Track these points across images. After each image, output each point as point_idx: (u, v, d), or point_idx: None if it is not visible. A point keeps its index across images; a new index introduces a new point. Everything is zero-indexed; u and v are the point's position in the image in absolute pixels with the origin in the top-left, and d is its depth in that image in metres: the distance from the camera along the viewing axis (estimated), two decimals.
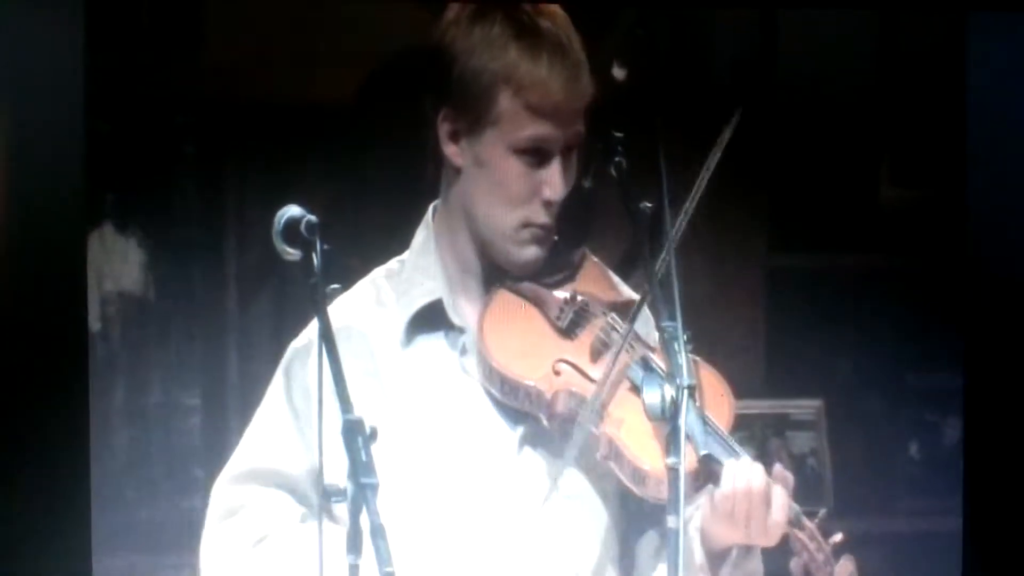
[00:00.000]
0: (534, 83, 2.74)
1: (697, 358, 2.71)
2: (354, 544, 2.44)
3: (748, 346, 4.13)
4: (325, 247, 2.56)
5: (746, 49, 4.20)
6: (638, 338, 2.80)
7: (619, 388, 2.75)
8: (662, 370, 2.68)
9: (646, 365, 2.75)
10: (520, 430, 2.79)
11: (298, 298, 2.63)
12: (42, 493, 3.33)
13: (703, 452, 2.63)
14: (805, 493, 2.75)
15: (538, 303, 2.84)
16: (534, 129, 2.75)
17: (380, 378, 2.81)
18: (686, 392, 2.58)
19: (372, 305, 2.86)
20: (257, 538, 2.76)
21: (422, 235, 2.88)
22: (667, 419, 2.59)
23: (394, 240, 2.95)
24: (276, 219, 2.60)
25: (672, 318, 2.65)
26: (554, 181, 2.77)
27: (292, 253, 2.58)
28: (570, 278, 2.87)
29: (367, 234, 3.24)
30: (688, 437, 2.59)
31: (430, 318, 2.83)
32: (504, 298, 2.83)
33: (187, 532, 2.87)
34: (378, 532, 2.42)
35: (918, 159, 4.22)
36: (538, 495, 2.73)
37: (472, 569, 2.74)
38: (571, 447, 2.72)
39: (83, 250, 3.48)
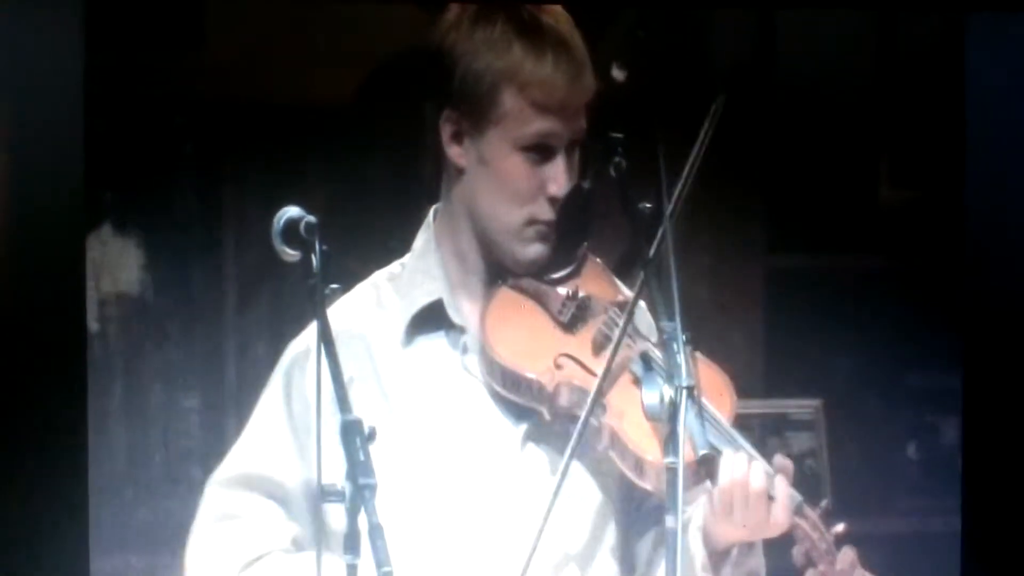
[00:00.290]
0: (539, 80, 2.74)
1: (699, 353, 2.71)
2: (352, 544, 2.44)
3: (747, 346, 4.13)
4: (324, 248, 2.56)
5: (745, 50, 4.20)
6: (639, 332, 2.81)
7: (621, 381, 2.75)
8: (662, 369, 2.68)
9: (646, 363, 2.75)
10: (523, 427, 2.79)
11: (297, 299, 2.63)
12: (40, 493, 3.33)
13: (702, 452, 2.63)
14: (803, 493, 2.75)
15: (540, 299, 2.84)
16: (539, 125, 2.76)
17: (380, 379, 2.81)
18: (684, 392, 2.58)
19: (373, 307, 2.86)
20: (248, 560, 2.75)
21: (423, 238, 2.88)
22: (666, 419, 2.59)
23: (393, 241, 2.95)
24: (275, 220, 2.60)
25: (671, 318, 2.65)
26: (559, 177, 2.77)
27: (291, 254, 2.58)
28: (572, 276, 2.87)
29: (366, 235, 3.24)
30: (687, 437, 2.59)
31: (431, 318, 2.83)
32: (506, 295, 2.84)
33: (185, 533, 2.87)
34: (376, 532, 2.42)
35: (917, 160, 4.23)
36: (541, 492, 2.73)
37: (476, 567, 2.74)
38: (573, 440, 2.72)
39: (82, 250, 3.47)
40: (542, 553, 2.72)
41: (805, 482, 2.78)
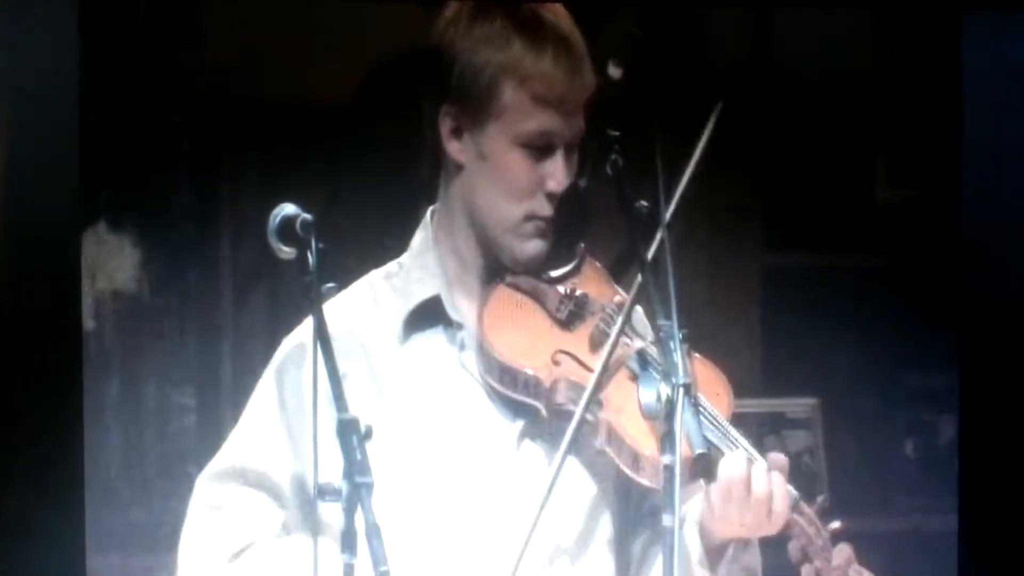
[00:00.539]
0: (539, 74, 2.74)
1: (697, 355, 2.71)
2: (349, 543, 2.44)
3: (744, 344, 4.13)
4: (320, 246, 2.56)
5: (743, 49, 4.20)
6: (636, 330, 2.81)
7: (618, 377, 2.75)
8: (658, 367, 2.68)
9: (643, 361, 2.75)
10: (519, 424, 2.79)
11: (293, 297, 2.63)
12: (36, 492, 3.33)
13: (699, 451, 2.63)
14: (800, 491, 2.75)
15: (537, 297, 2.84)
16: (539, 121, 2.76)
17: (377, 376, 2.80)
18: (681, 391, 2.58)
19: (369, 304, 2.85)
20: (237, 549, 2.75)
21: (420, 237, 2.88)
22: (663, 418, 2.59)
23: (390, 239, 2.95)
24: (271, 217, 2.59)
25: (668, 317, 2.65)
26: (558, 173, 2.77)
27: (287, 251, 2.58)
28: (570, 275, 2.87)
29: (363, 232, 3.24)
30: (684, 436, 2.59)
31: (428, 315, 2.83)
32: (503, 293, 2.84)
33: (181, 531, 2.87)
34: (373, 531, 2.42)
35: (914, 159, 4.23)
36: (537, 489, 2.73)
37: (471, 564, 2.74)
38: (568, 434, 2.71)
39: (77, 248, 3.47)
40: (536, 548, 2.73)
41: (802, 480, 2.78)
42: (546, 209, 2.79)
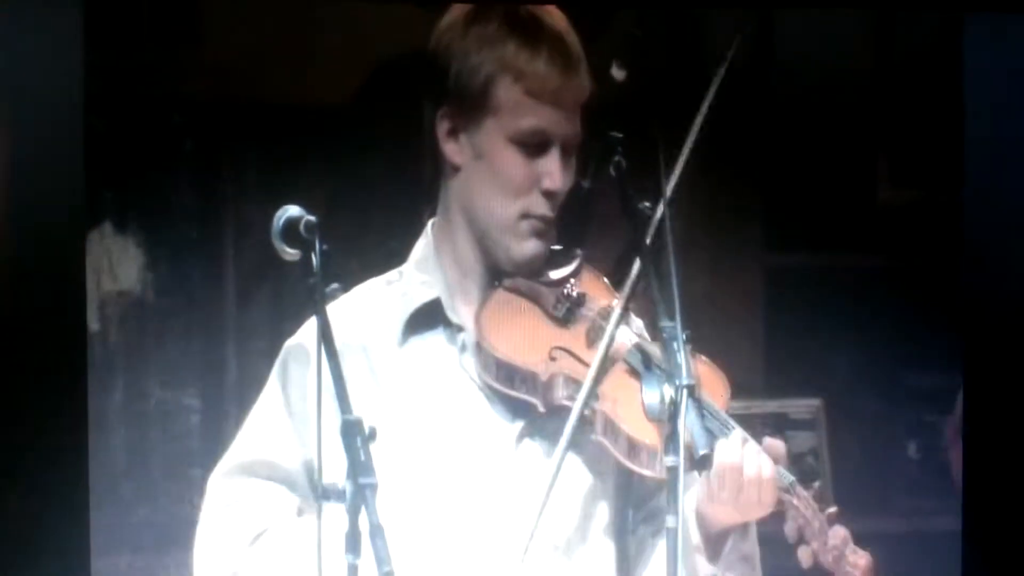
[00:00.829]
0: (533, 71, 2.76)
1: (702, 356, 2.72)
2: (353, 544, 2.44)
3: (746, 345, 4.13)
4: (324, 247, 2.56)
5: (744, 49, 4.20)
6: (632, 327, 2.82)
7: (615, 371, 2.77)
8: (659, 365, 2.70)
9: (646, 362, 2.76)
10: (518, 425, 2.80)
11: (297, 298, 2.63)
12: (40, 492, 3.33)
13: (702, 452, 2.64)
14: (808, 482, 2.77)
15: (535, 298, 2.86)
16: (533, 119, 2.77)
17: (377, 377, 2.81)
18: (685, 392, 2.59)
19: (370, 308, 2.87)
20: (255, 534, 2.77)
21: (421, 246, 2.90)
22: (667, 419, 2.60)
23: (393, 240, 2.96)
24: (275, 219, 2.60)
25: (671, 318, 2.66)
26: (554, 172, 2.79)
27: (291, 253, 2.59)
28: (567, 278, 2.88)
29: (366, 234, 3.25)
30: (688, 436, 2.60)
31: (428, 318, 2.85)
32: (502, 296, 2.86)
33: (186, 531, 2.88)
34: (377, 532, 2.42)
35: (916, 159, 4.23)
36: (536, 488, 2.74)
37: (471, 563, 2.75)
38: (568, 428, 2.73)
39: (82, 249, 3.47)
40: (537, 543, 2.73)
41: (805, 481, 2.79)
42: (541, 208, 2.80)
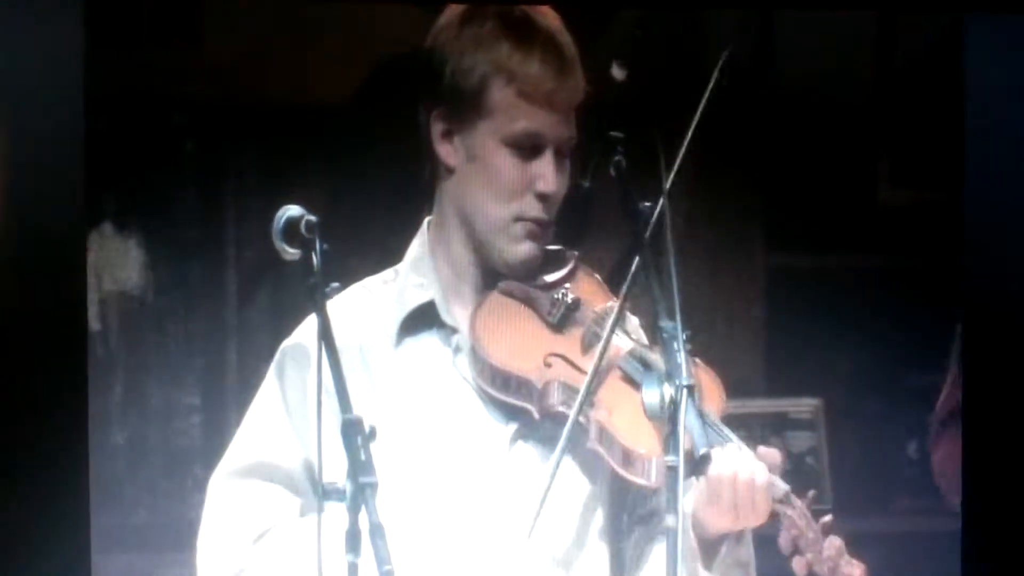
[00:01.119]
0: (526, 73, 2.76)
1: (697, 360, 2.72)
2: (353, 543, 2.44)
3: (747, 345, 4.13)
4: (324, 247, 2.56)
5: (745, 50, 4.20)
6: (628, 332, 2.82)
7: (610, 378, 2.77)
8: (658, 367, 2.69)
9: (643, 360, 2.76)
10: (512, 427, 2.80)
11: (297, 298, 2.63)
12: (41, 492, 3.33)
13: (702, 451, 2.64)
14: (803, 492, 2.76)
15: (530, 302, 2.86)
16: (527, 121, 2.77)
17: (372, 378, 2.82)
18: (685, 391, 2.59)
19: (365, 308, 2.87)
20: (257, 534, 2.77)
21: (416, 245, 2.90)
22: (666, 418, 2.60)
23: (393, 239, 2.96)
24: (275, 218, 2.60)
25: (671, 318, 2.66)
26: (547, 174, 2.78)
27: (291, 252, 2.59)
28: (562, 281, 2.88)
29: (366, 234, 3.25)
30: (687, 436, 2.60)
31: (423, 319, 2.85)
32: (497, 299, 2.85)
33: (186, 531, 2.88)
34: (377, 531, 2.42)
35: (916, 160, 4.23)
36: (530, 491, 2.74)
37: (463, 565, 2.75)
38: (562, 437, 2.73)
39: (83, 250, 3.47)
40: (531, 548, 2.74)
41: (805, 481, 2.80)
42: (535, 210, 2.80)
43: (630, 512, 2.83)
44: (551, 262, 2.88)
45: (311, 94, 3.94)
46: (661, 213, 2.74)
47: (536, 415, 2.77)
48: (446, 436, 2.79)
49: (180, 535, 2.88)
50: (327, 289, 2.57)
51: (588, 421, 2.74)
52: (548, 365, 2.80)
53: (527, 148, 2.79)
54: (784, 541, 2.74)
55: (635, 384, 2.73)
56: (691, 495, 2.72)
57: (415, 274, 2.87)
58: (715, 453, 2.67)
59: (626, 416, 2.71)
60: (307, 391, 2.75)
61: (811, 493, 2.75)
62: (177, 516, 3.69)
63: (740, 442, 2.73)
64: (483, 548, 2.75)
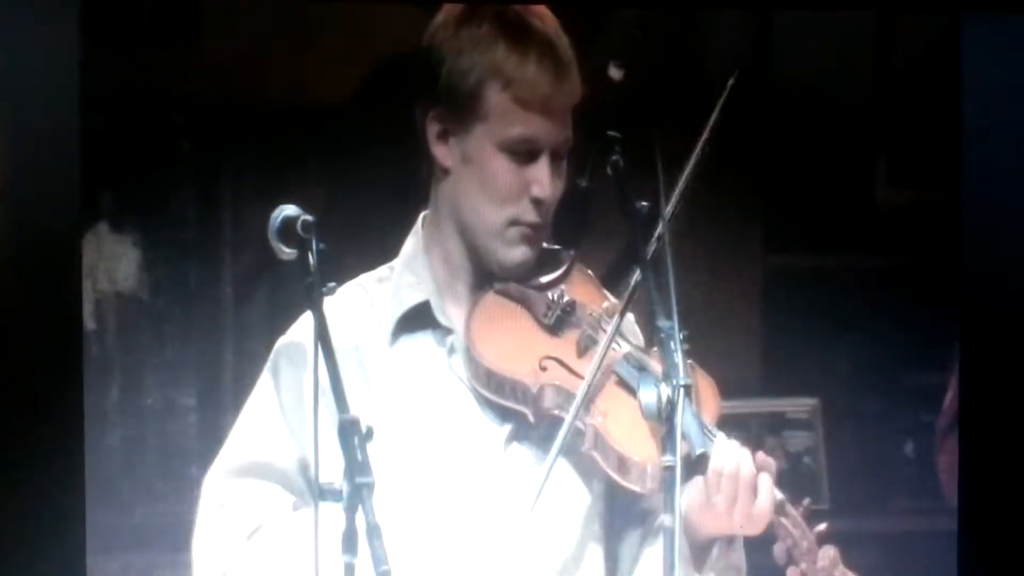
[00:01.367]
0: (522, 78, 2.76)
1: (691, 362, 2.71)
2: (350, 543, 2.44)
3: (744, 345, 4.12)
4: (321, 246, 2.56)
5: (744, 50, 4.20)
6: (623, 336, 2.82)
7: (606, 382, 2.77)
8: (654, 370, 2.69)
9: (639, 363, 2.76)
10: (507, 428, 2.80)
11: (294, 297, 2.63)
12: (36, 492, 3.32)
13: (699, 451, 2.63)
14: (800, 492, 2.76)
15: (525, 304, 2.85)
16: (523, 126, 2.77)
17: (367, 377, 2.81)
18: (682, 391, 2.59)
19: (361, 307, 2.87)
20: (251, 530, 2.77)
21: (411, 242, 2.89)
22: (663, 419, 2.60)
23: (390, 239, 2.95)
24: (272, 218, 2.60)
25: (668, 317, 2.65)
26: (542, 179, 2.78)
27: (288, 252, 2.59)
28: (558, 282, 2.88)
29: (363, 233, 3.24)
30: (683, 436, 2.59)
31: (418, 319, 2.84)
32: (492, 300, 2.85)
33: (183, 531, 2.87)
34: (374, 531, 2.42)
35: (914, 159, 4.23)
36: (526, 491, 2.74)
37: (458, 565, 2.75)
38: (557, 441, 2.72)
39: (78, 249, 3.47)
40: (527, 550, 2.73)
41: (802, 481, 2.80)
42: (530, 215, 2.80)
43: (624, 512, 2.83)
44: (548, 262, 2.87)
45: (310, 94, 3.93)
46: (658, 213, 2.74)
47: (531, 418, 2.77)
48: (442, 437, 2.79)
49: (176, 535, 2.87)
50: (324, 288, 2.57)
51: (584, 427, 2.73)
52: (543, 369, 2.79)
53: (523, 153, 2.78)
54: (779, 551, 2.74)
55: (631, 389, 2.73)
56: (684, 498, 2.72)
57: (409, 272, 2.86)
58: (715, 454, 2.67)
59: (621, 422, 2.71)
60: (302, 390, 2.75)
61: (806, 501, 2.74)
62: (173, 516, 3.68)
63: (738, 445, 2.73)
64: (478, 548, 2.75)
